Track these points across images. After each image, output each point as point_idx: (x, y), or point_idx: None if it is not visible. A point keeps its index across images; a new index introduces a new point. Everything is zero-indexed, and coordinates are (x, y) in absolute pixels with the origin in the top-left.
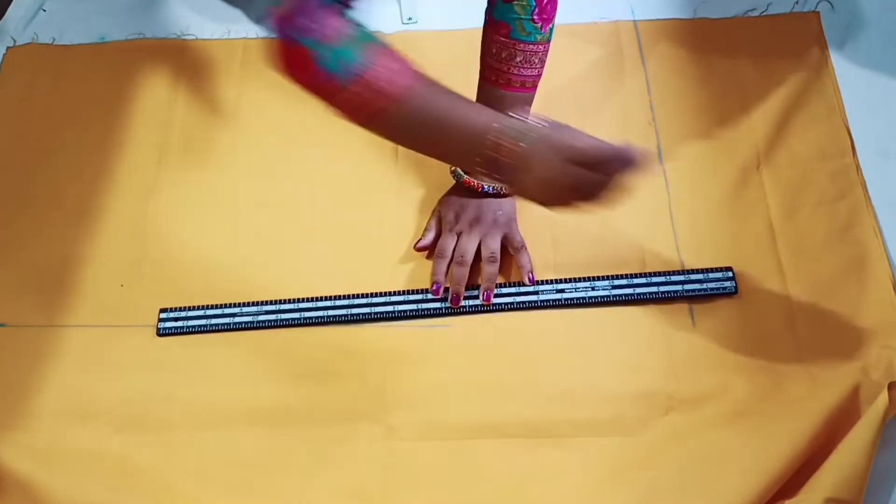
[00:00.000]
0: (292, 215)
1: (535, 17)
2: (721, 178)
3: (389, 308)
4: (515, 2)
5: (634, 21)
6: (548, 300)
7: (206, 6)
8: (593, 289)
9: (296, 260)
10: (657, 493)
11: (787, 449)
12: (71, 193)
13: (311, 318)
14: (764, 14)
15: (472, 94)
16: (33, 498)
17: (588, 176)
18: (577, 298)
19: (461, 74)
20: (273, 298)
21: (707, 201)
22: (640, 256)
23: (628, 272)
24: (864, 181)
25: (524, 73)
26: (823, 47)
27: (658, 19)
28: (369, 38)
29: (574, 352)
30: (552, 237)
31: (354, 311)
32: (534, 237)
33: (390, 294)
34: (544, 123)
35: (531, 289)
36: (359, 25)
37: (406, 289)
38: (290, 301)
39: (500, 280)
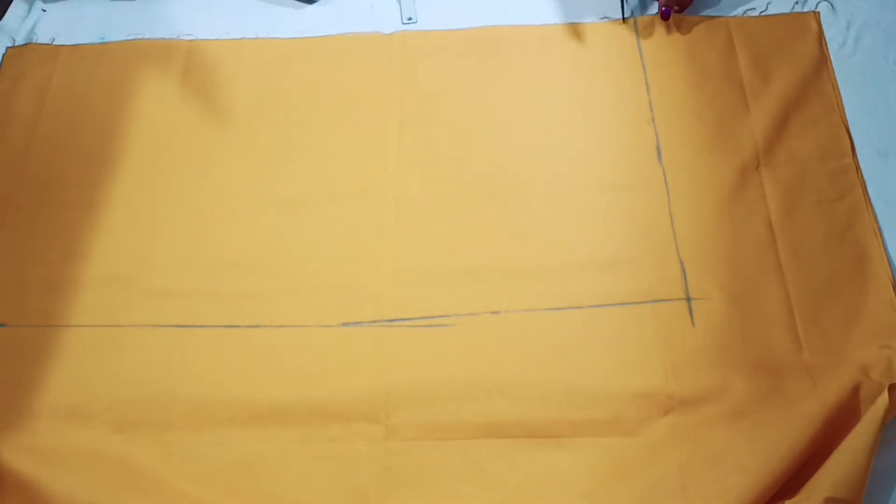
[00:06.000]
0: (292, 215)
1: None
2: (721, 178)
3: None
4: None
5: (635, 20)
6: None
7: (205, 6)
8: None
9: (296, 260)
10: (657, 493)
11: (787, 449)
12: (70, 193)
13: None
14: (764, 14)
15: (472, 92)
16: (33, 498)
17: None
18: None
19: (461, 74)
20: (272, 299)
21: (707, 201)
22: (640, 256)
23: (627, 273)
24: (864, 181)
25: None
26: (823, 47)
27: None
28: None
29: (574, 352)
30: (553, 238)
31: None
32: (536, 236)
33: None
34: None
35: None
36: None
37: (401, 291)
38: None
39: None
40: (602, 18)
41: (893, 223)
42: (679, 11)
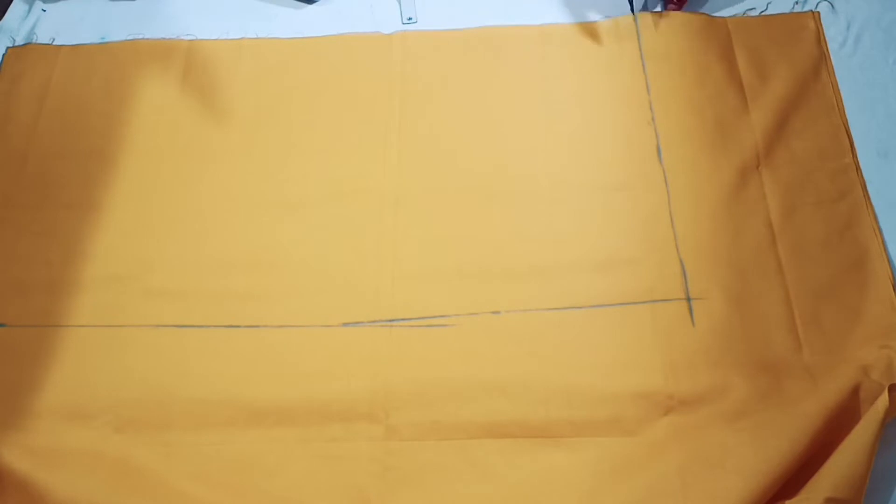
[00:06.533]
0: (292, 215)
1: None
2: (721, 178)
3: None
4: None
5: (635, 17)
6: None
7: (205, 6)
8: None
9: (296, 260)
10: (657, 492)
11: (787, 449)
12: (70, 193)
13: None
14: (763, 14)
15: (472, 92)
16: (33, 498)
17: None
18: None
19: (461, 74)
20: (272, 299)
21: (707, 201)
22: (640, 256)
23: (627, 273)
24: (864, 181)
25: None
26: (822, 47)
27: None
28: None
29: (574, 352)
30: (553, 237)
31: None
32: (536, 236)
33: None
34: None
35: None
36: None
37: (401, 291)
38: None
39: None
40: (603, 18)
41: (893, 223)
42: (677, 7)
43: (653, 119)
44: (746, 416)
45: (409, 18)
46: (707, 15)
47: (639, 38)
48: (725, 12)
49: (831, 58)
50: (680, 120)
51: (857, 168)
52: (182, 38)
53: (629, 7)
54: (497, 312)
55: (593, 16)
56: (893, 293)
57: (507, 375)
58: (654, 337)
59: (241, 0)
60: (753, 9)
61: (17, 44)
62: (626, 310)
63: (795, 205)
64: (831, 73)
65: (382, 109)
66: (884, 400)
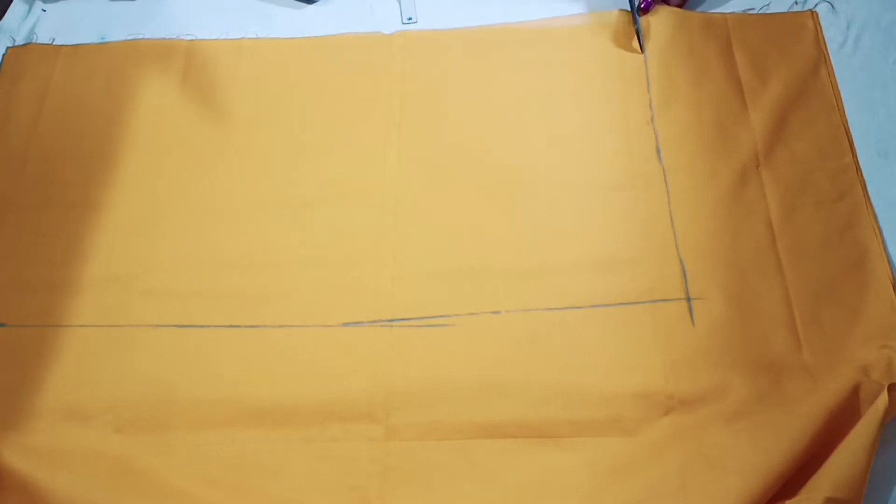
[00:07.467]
0: (292, 215)
1: None
2: (721, 178)
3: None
4: None
5: (635, 15)
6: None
7: (205, 6)
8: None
9: (296, 260)
10: (657, 493)
11: (787, 449)
12: (70, 193)
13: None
14: (762, 13)
15: (472, 92)
16: (33, 498)
17: None
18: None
19: (461, 74)
20: (272, 299)
21: (707, 201)
22: (640, 256)
23: (627, 273)
24: (864, 181)
25: None
26: (821, 46)
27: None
28: None
29: (574, 352)
30: (553, 237)
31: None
32: (535, 236)
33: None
34: None
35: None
36: None
37: (401, 291)
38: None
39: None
40: (603, 17)
41: (893, 223)
42: (680, 4)
43: (652, 118)
44: (746, 416)
45: (409, 18)
46: (706, 13)
47: (640, 37)
48: (723, 11)
49: (831, 58)
50: (679, 120)
51: (857, 168)
52: (182, 38)
53: (629, 4)
54: (497, 312)
55: (594, 15)
56: (893, 293)
57: (507, 375)
58: (654, 337)
59: (241, 0)
60: (752, 9)
61: (17, 44)
62: (626, 310)
63: (795, 205)
64: (831, 72)
65: (382, 109)
66: (884, 400)
